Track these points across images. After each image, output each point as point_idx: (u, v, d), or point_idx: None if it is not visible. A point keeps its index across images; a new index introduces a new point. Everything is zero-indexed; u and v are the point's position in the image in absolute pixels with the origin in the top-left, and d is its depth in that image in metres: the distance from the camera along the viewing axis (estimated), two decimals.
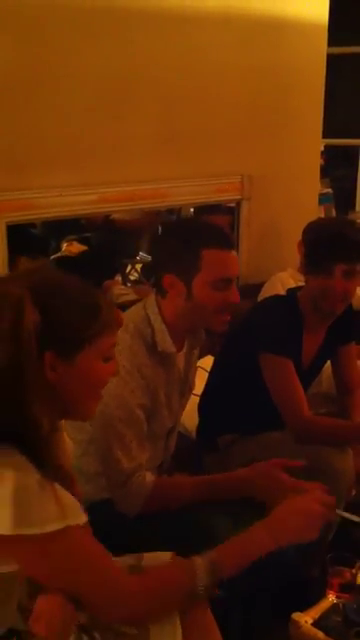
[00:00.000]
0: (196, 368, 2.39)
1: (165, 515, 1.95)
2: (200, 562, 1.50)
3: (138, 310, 2.12)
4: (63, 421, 1.63)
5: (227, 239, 2.15)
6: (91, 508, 1.53)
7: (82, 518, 1.37)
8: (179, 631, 1.48)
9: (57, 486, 1.33)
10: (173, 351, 2.11)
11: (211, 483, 2.10)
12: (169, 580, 1.51)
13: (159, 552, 1.60)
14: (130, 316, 2.10)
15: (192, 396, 2.94)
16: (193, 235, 2.09)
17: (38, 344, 1.34)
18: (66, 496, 1.35)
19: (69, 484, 1.40)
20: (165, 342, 2.08)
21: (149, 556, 1.61)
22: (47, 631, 1.36)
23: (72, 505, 1.36)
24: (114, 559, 1.49)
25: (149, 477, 1.99)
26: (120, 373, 1.73)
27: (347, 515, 1.92)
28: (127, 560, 1.61)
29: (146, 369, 2.03)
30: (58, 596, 1.36)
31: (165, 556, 1.60)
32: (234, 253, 2.16)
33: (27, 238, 4.10)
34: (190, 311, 2.07)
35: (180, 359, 2.20)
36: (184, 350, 2.21)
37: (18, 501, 1.26)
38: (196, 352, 2.33)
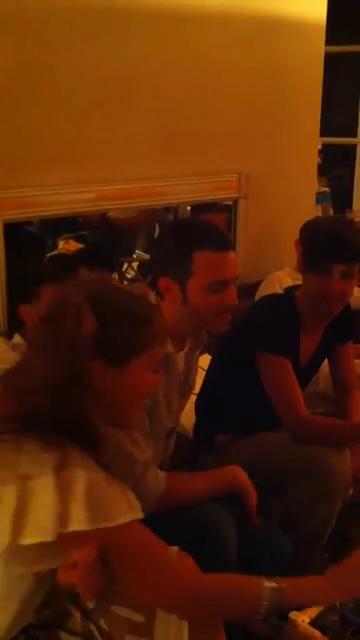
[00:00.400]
0: (197, 369, 2.37)
1: (165, 513, 1.94)
2: (268, 585, 1.50)
3: None
4: None
5: (222, 240, 2.10)
6: None
7: (141, 512, 1.44)
8: (185, 621, 1.49)
9: (119, 482, 1.43)
10: (171, 352, 2.10)
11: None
12: (232, 586, 1.55)
13: None
14: None
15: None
16: (186, 236, 2.06)
17: (92, 351, 1.42)
18: (128, 491, 1.44)
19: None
20: None
21: None
22: (81, 579, 1.39)
23: (133, 499, 1.44)
24: None
25: (161, 474, 1.98)
26: None
27: None
28: None
29: None
30: (92, 549, 1.40)
31: (171, 551, 1.61)
32: (231, 254, 2.12)
33: (24, 236, 4.10)
34: (188, 316, 2.06)
35: (180, 360, 2.18)
36: (185, 350, 2.20)
37: (91, 498, 1.34)
38: (197, 353, 2.31)
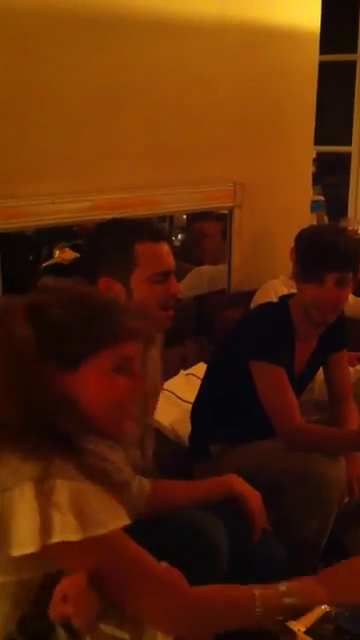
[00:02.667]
0: (158, 369, 2.28)
1: (154, 522, 1.93)
2: (258, 591, 1.48)
3: None
4: None
5: (158, 231, 2.11)
6: None
7: (127, 519, 1.40)
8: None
9: (103, 490, 1.38)
10: None
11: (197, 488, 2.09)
12: (222, 595, 1.50)
13: None
14: None
15: (185, 403, 2.93)
16: (123, 232, 2.05)
17: (35, 357, 1.37)
18: (112, 498, 1.40)
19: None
20: None
21: None
22: (75, 611, 1.35)
23: (118, 506, 1.41)
24: None
25: (145, 480, 1.96)
26: None
27: None
28: None
29: None
30: (83, 577, 1.36)
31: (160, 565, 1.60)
32: (167, 245, 2.09)
33: (19, 245, 4.09)
34: None
35: None
36: None
37: (77, 507, 1.31)
38: (153, 353, 2.22)
